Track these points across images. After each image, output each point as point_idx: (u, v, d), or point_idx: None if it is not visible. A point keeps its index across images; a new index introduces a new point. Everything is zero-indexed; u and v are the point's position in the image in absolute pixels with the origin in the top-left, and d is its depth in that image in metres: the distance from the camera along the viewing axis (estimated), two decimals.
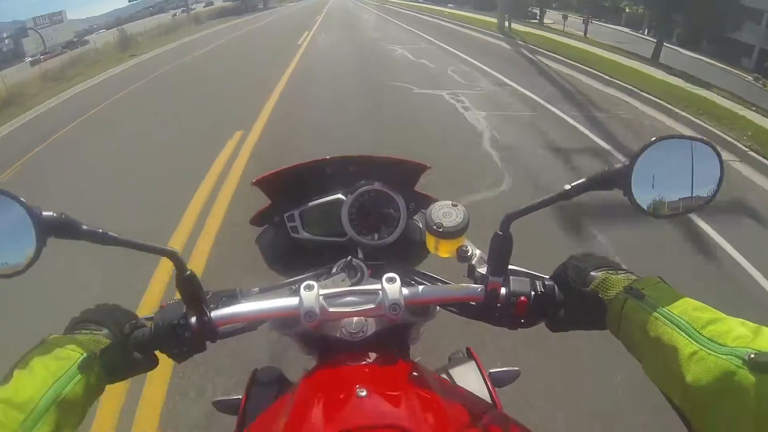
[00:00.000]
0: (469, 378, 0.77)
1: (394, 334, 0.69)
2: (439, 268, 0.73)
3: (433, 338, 1.82)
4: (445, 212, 0.62)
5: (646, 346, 0.48)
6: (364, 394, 0.53)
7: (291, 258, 0.82)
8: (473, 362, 0.80)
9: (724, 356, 0.40)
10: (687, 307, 0.47)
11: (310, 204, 0.81)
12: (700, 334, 0.43)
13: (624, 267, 0.59)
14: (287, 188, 0.83)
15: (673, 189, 0.56)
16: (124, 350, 0.55)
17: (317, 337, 0.68)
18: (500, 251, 0.58)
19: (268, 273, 0.87)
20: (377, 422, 0.49)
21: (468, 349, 0.86)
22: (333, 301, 0.59)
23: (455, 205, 0.63)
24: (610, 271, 0.57)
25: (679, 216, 0.57)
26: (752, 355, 0.38)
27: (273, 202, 0.85)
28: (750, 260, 3.05)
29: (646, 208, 0.55)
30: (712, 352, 0.41)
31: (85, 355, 0.49)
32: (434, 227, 0.61)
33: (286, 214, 0.82)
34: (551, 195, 0.54)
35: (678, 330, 0.45)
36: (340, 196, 0.81)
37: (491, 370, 0.81)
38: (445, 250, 0.64)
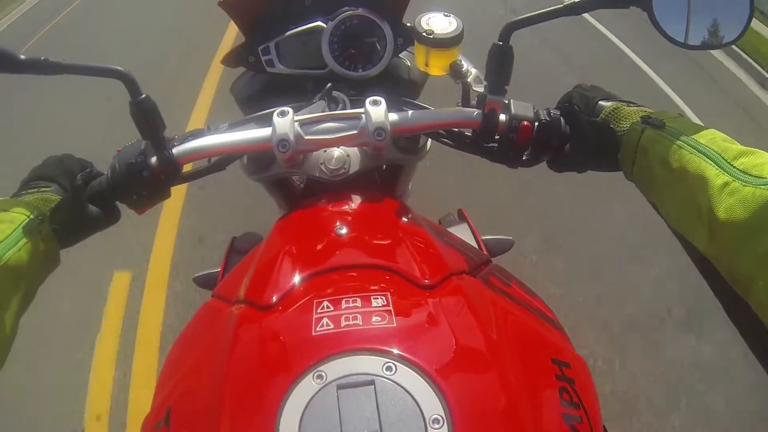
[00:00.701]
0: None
1: (380, 179, 0.64)
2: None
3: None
4: (437, 21, 0.55)
5: (666, 180, 0.43)
6: (343, 232, 0.48)
7: (268, 100, 0.71)
8: (465, 224, 0.78)
9: (762, 186, 0.35)
10: (716, 137, 0.41)
11: (287, 33, 0.72)
12: (732, 165, 0.38)
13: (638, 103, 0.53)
14: (261, 18, 0.73)
15: (698, 17, 0.50)
16: (78, 205, 0.49)
17: (295, 184, 0.63)
18: (500, 65, 0.51)
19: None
20: (357, 262, 0.45)
21: (460, 211, 0.83)
22: (310, 128, 0.52)
23: (447, 15, 0.56)
24: (621, 102, 0.51)
25: (700, 49, 0.52)
26: None
27: (247, 39, 0.76)
28: None
29: (667, 30, 0.50)
30: (749, 184, 0.35)
31: (31, 216, 0.43)
32: (424, 34, 0.54)
33: (260, 47, 0.73)
34: (557, 7, 0.47)
35: (707, 159, 0.39)
36: (320, 23, 0.72)
37: (484, 237, 0.78)
38: (436, 65, 0.57)
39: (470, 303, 0.41)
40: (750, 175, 0.36)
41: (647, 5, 0.47)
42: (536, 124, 0.53)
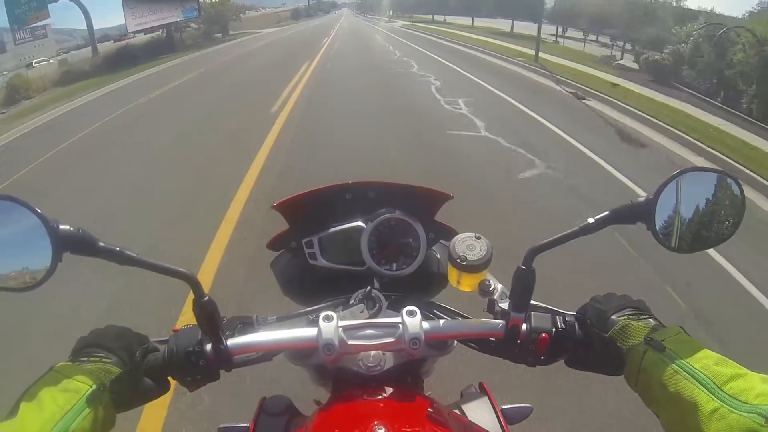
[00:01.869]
0: (482, 414, 0.74)
1: (409, 368, 0.67)
2: (456, 299, 0.72)
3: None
4: (469, 245, 0.62)
5: (665, 401, 0.47)
6: (381, 429, 0.51)
7: (306, 285, 0.81)
8: (486, 398, 0.78)
9: (746, 414, 0.39)
10: (709, 362, 0.45)
11: (330, 230, 0.80)
12: (722, 390, 0.42)
13: (647, 308, 0.58)
14: (306, 212, 0.82)
15: (696, 222, 0.55)
16: (135, 378, 0.53)
17: (332, 369, 0.66)
18: (523, 286, 0.56)
19: (282, 298, 0.86)
20: None
21: (481, 384, 0.83)
22: (352, 334, 0.58)
23: (478, 238, 0.62)
24: (631, 317, 0.55)
25: (701, 250, 0.55)
26: None
27: (291, 227, 0.83)
28: None
29: (670, 243, 0.54)
30: (734, 410, 0.40)
31: (94, 387, 0.47)
32: (458, 260, 0.60)
33: (304, 240, 0.80)
34: (574, 229, 0.54)
35: (699, 385, 0.44)
36: (360, 223, 0.79)
37: (504, 407, 0.78)
38: (467, 284, 0.63)
39: None
40: (738, 400, 0.40)
41: (651, 223, 0.53)
42: (554, 331, 0.57)
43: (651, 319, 0.55)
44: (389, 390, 0.61)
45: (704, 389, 0.43)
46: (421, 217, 0.79)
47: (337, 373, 0.67)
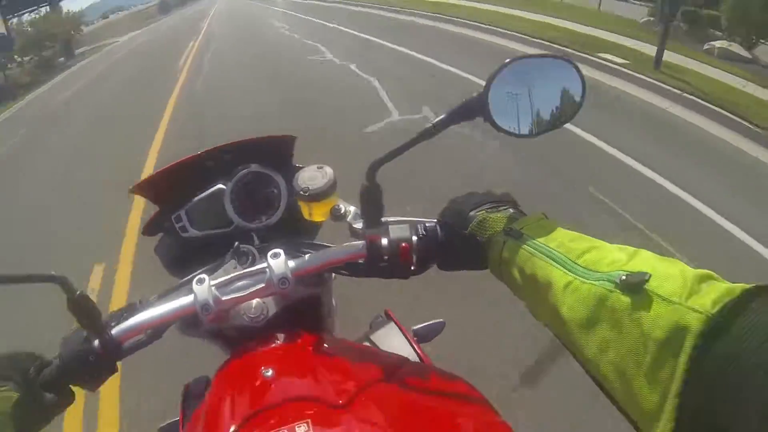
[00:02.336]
0: (392, 340, 0.78)
1: (302, 312, 0.69)
2: (336, 238, 0.70)
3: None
4: (311, 176, 0.62)
5: (526, 286, 0.48)
6: (269, 374, 0.54)
7: (186, 260, 0.80)
8: (392, 323, 0.81)
9: (596, 282, 0.39)
10: (564, 239, 0.46)
11: (194, 200, 0.80)
12: (576, 263, 0.42)
13: (512, 200, 0.59)
14: (170, 190, 0.81)
15: (536, 107, 0.57)
16: (35, 397, 0.53)
17: (226, 332, 0.68)
18: (371, 203, 0.58)
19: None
20: (283, 398, 0.50)
21: (386, 312, 0.86)
22: (225, 290, 0.59)
23: (320, 168, 0.63)
24: (489, 210, 0.57)
25: (547, 131, 0.58)
26: (623, 277, 0.36)
27: (161, 208, 0.83)
28: None
29: (510, 130, 0.56)
30: (586, 281, 0.40)
31: None
32: (301, 193, 0.61)
33: (173, 216, 0.81)
34: (414, 136, 0.53)
35: (554, 263, 0.44)
36: (221, 185, 0.80)
37: (414, 327, 0.82)
38: (318, 213, 0.64)
39: (383, 411, 0.47)
40: (590, 270, 0.40)
41: (488, 114, 0.53)
42: (415, 239, 0.58)
43: (511, 209, 0.57)
44: (280, 336, 0.63)
45: (559, 266, 0.43)
46: (279, 166, 0.81)
47: (229, 334, 0.68)
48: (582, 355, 0.40)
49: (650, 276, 0.35)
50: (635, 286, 0.35)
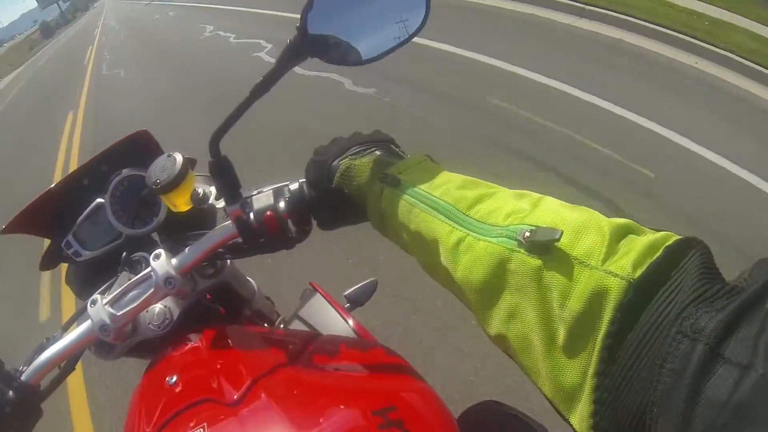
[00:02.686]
0: (320, 312, 0.75)
1: (214, 307, 0.67)
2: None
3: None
4: (161, 166, 0.57)
5: (411, 242, 0.41)
6: (173, 382, 0.53)
7: (90, 283, 0.76)
8: (318, 295, 0.78)
9: (494, 239, 0.32)
10: (450, 186, 0.39)
11: (78, 222, 0.76)
12: (467, 215, 0.35)
13: (385, 137, 0.52)
14: (50, 219, 0.77)
15: (374, 25, 0.51)
16: None
17: (141, 345, 0.65)
18: (223, 177, 0.53)
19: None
20: (184, 405, 0.48)
21: (311, 284, 0.83)
22: (119, 305, 0.56)
23: (169, 156, 0.57)
24: (353, 156, 0.49)
25: (393, 51, 0.52)
26: (527, 234, 0.30)
27: (50, 239, 0.78)
28: None
29: (349, 59, 0.50)
30: (482, 237, 0.33)
31: None
32: (154, 187, 0.56)
33: (62, 243, 0.76)
34: (247, 96, 0.48)
35: (439, 216, 0.37)
36: (99, 200, 0.76)
37: (346, 293, 0.79)
38: (180, 203, 0.58)
39: (278, 400, 0.45)
40: (486, 224, 0.34)
41: (315, 51, 0.48)
42: (281, 206, 0.54)
43: (379, 151, 0.49)
44: (189, 337, 0.60)
45: (446, 219, 0.36)
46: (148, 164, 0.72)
47: (146, 347, 0.65)
48: (485, 325, 0.34)
49: (561, 233, 0.29)
50: (543, 246, 0.29)
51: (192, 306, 0.64)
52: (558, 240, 0.29)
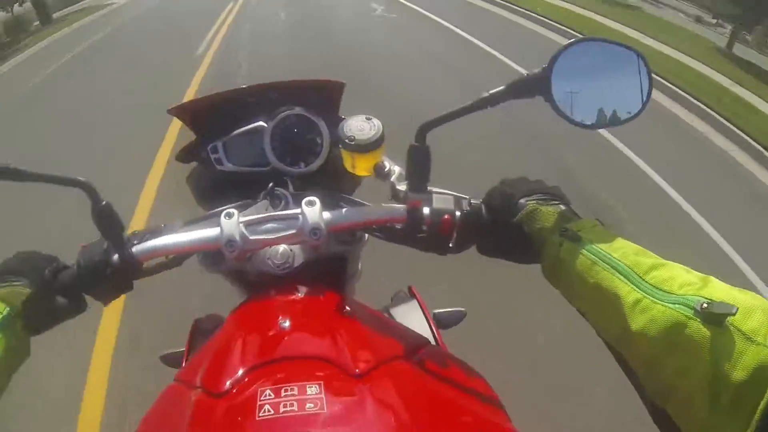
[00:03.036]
0: (411, 317, 0.75)
1: (327, 268, 0.67)
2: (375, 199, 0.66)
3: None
4: (359, 127, 0.59)
5: (586, 295, 0.45)
6: (286, 325, 0.52)
7: (218, 193, 0.78)
8: (415, 301, 0.79)
9: (671, 305, 0.36)
10: (627, 251, 0.43)
11: (233, 133, 0.78)
12: (644, 280, 0.40)
13: (562, 195, 0.56)
14: (209, 119, 0.80)
15: (598, 97, 0.54)
16: (47, 298, 0.52)
17: (247, 273, 0.66)
18: (418, 165, 0.55)
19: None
20: (297, 353, 0.48)
21: (410, 288, 0.84)
22: (254, 229, 0.56)
23: (369, 119, 0.60)
24: (540, 201, 0.53)
25: (605, 127, 0.55)
26: (704, 305, 0.34)
27: (198, 137, 0.81)
28: None
29: (569, 115, 0.53)
30: (659, 301, 0.37)
31: (5, 311, 0.46)
32: (347, 141, 0.58)
33: (209, 146, 0.79)
34: (468, 104, 0.51)
35: (619, 275, 0.41)
36: (261, 123, 0.77)
37: (435, 311, 0.80)
38: (361, 167, 0.61)
39: (398, 390, 0.44)
40: (660, 290, 0.38)
41: (548, 95, 0.51)
42: (458, 215, 0.56)
43: (562, 205, 0.53)
44: (302, 289, 0.60)
45: (625, 279, 0.41)
46: (323, 113, 0.78)
47: (250, 278, 0.66)
48: (649, 380, 0.38)
49: (737, 310, 0.33)
50: (717, 318, 0.33)
51: (313, 261, 0.65)
52: (733, 315, 0.33)
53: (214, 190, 0.80)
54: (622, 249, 0.44)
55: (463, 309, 0.84)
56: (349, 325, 0.54)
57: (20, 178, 0.49)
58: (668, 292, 0.37)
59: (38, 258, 0.55)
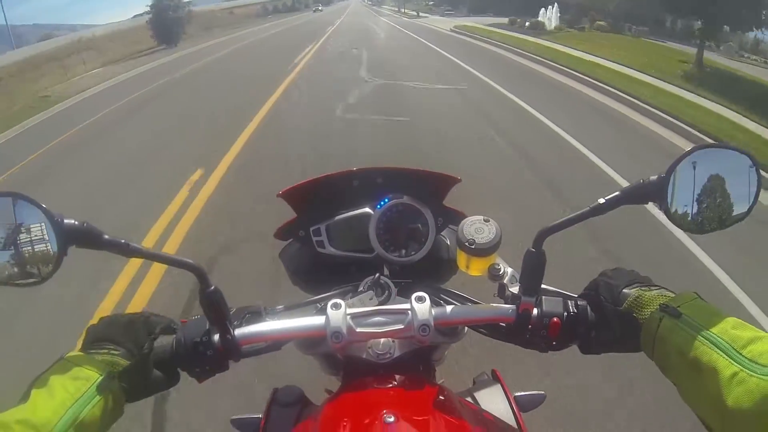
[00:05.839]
0: (494, 401, 0.74)
1: (419, 355, 0.66)
2: (467, 285, 0.71)
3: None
4: (477, 228, 0.61)
5: (683, 369, 0.46)
6: (391, 420, 0.51)
7: (315, 273, 0.80)
8: (498, 385, 0.78)
9: (765, 377, 0.38)
10: (726, 326, 0.45)
11: (337, 218, 0.79)
12: (741, 354, 0.41)
13: (656, 283, 0.57)
14: (313, 200, 0.81)
15: (709, 201, 0.54)
16: (144, 370, 0.53)
17: (342, 357, 0.66)
18: (533, 270, 0.56)
19: (292, 288, 0.84)
20: None
21: (494, 371, 0.83)
22: (360, 321, 0.57)
23: (487, 221, 0.61)
24: (643, 288, 0.55)
25: (714, 231, 0.55)
26: None
27: (298, 215, 0.82)
28: None
29: (683, 223, 0.54)
30: (754, 374, 0.38)
31: (103, 376, 0.47)
32: (466, 244, 0.59)
33: (312, 228, 0.79)
34: (584, 210, 0.53)
35: (717, 350, 0.43)
36: (367, 209, 0.78)
37: (516, 394, 0.78)
38: (476, 268, 0.62)
39: None
40: (757, 363, 0.39)
41: (663, 202, 0.52)
42: (566, 315, 0.56)
43: (665, 290, 0.55)
44: (399, 378, 0.60)
45: (723, 354, 0.42)
46: (429, 202, 0.78)
47: (346, 361, 0.67)
48: None
49: None
50: None
51: (413, 351, 0.64)
52: None
53: (312, 270, 0.81)
54: (721, 324, 0.45)
55: (542, 392, 0.82)
56: (447, 419, 0.55)
57: (135, 254, 0.50)
58: (764, 365, 0.39)
59: (138, 326, 0.55)
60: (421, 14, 38.75)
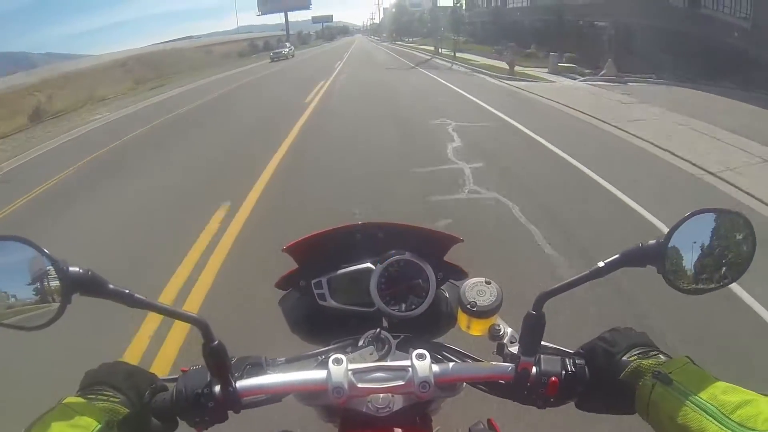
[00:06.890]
0: None
1: (417, 407, 0.66)
2: (464, 339, 0.71)
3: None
4: (479, 290, 0.62)
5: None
6: None
7: (316, 324, 0.81)
8: None
9: None
10: (716, 391, 0.46)
11: (339, 272, 0.80)
12: (730, 419, 0.42)
13: (650, 341, 0.58)
14: (315, 252, 0.82)
15: (706, 263, 0.55)
16: (143, 419, 0.53)
17: (341, 410, 0.65)
18: (533, 331, 0.57)
19: (291, 337, 0.84)
20: None
21: (489, 421, 0.82)
22: (362, 377, 0.58)
23: (488, 283, 0.63)
24: (641, 356, 0.55)
25: (712, 291, 0.56)
26: None
27: (300, 266, 0.83)
28: None
29: (681, 286, 0.54)
30: None
31: (102, 424, 0.47)
32: (468, 306, 0.61)
33: (313, 281, 0.80)
34: (584, 273, 0.54)
35: (707, 416, 0.44)
36: (369, 265, 0.79)
37: None
38: (477, 328, 0.63)
39: None
40: (746, 427, 0.41)
41: (661, 266, 0.53)
42: (563, 374, 0.57)
43: (661, 355, 0.55)
44: (398, 430, 0.61)
45: (712, 420, 0.43)
46: (429, 258, 0.79)
47: (345, 413, 0.66)
48: None
49: None
50: None
51: (411, 404, 0.64)
52: None
53: (312, 321, 0.82)
54: (711, 390, 0.46)
55: None
56: None
57: (136, 305, 0.50)
58: (752, 429, 0.40)
59: (138, 375, 0.56)
60: (468, 61, 19.22)
